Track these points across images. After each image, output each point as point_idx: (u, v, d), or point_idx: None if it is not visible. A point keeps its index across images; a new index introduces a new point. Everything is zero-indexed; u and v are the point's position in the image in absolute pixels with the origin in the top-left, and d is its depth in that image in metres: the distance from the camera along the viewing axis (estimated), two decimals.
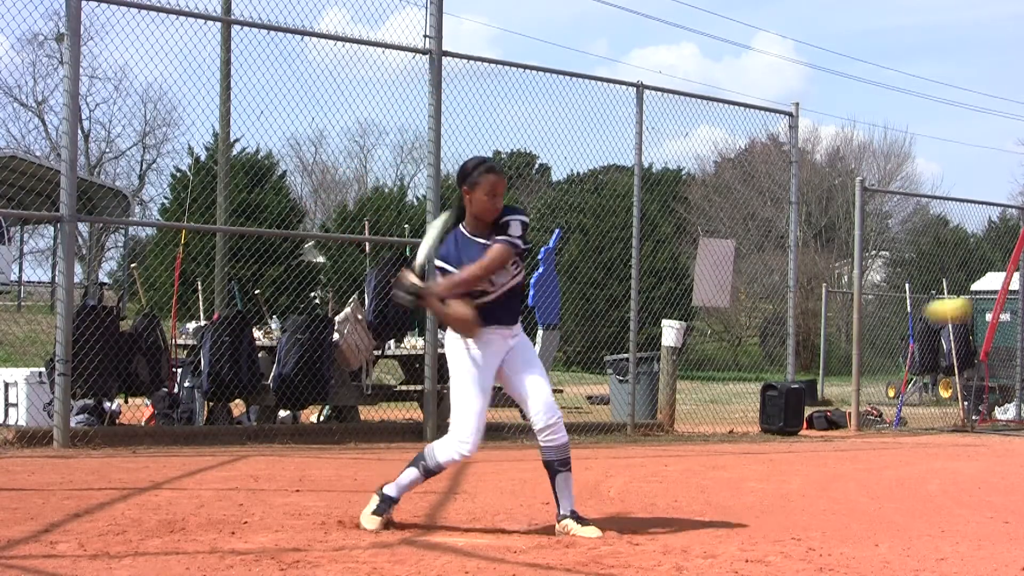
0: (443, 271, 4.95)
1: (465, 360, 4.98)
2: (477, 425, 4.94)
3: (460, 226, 5.05)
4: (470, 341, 4.95)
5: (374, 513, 4.99)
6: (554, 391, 5.49)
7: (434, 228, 5.09)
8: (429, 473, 5.01)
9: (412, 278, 4.84)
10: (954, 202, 18.90)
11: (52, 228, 27.23)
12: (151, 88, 37.87)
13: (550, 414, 4.96)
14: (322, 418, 11.26)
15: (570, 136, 11.57)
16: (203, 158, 22.55)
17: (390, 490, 5.02)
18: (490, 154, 11.39)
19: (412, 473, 5.01)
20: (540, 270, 11.54)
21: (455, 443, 4.93)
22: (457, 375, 5.00)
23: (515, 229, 4.92)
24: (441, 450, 4.96)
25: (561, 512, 5.02)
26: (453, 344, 5.01)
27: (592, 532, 4.93)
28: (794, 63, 72.66)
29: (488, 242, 4.94)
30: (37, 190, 18.86)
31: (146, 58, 9.07)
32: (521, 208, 5.04)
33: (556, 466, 5.00)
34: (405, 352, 11.37)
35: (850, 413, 13.36)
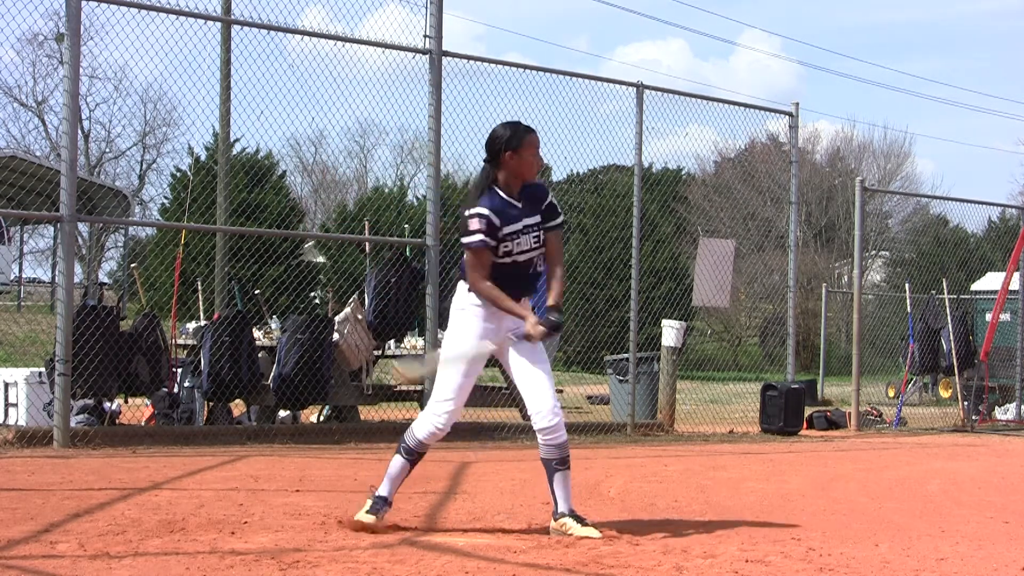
0: (511, 235, 5.00)
1: (461, 333, 5.02)
2: (455, 401, 4.97)
3: (494, 187, 5.10)
4: (473, 317, 4.99)
5: (368, 512, 5.00)
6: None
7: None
8: (412, 454, 5.01)
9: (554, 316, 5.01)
10: (954, 202, 18.89)
11: (52, 228, 27.24)
12: (151, 88, 37.76)
13: (550, 415, 4.95)
14: (322, 418, 11.26)
15: (570, 136, 11.56)
16: (203, 158, 22.57)
17: (382, 489, 5.03)
18: None
19: (397, 461, 5.03)
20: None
21: (431, 416, 4.97)
22: (448, 347, 5.04)
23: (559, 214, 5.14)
24: (419, 426, 5.00)
25: (559, 511, 5.01)
26: (455, 316, 5.06)
27: (591, 532, 4.92)
28: (788, 60, 72.67)
29: (520, 205, 5.06)
30: (37, 190, 18.84)
31: (146, 58, 9.08)
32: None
33: (554, 464, 4.99)
34: (405, 352, 11.36)
35: (850, 413, 13.35)
